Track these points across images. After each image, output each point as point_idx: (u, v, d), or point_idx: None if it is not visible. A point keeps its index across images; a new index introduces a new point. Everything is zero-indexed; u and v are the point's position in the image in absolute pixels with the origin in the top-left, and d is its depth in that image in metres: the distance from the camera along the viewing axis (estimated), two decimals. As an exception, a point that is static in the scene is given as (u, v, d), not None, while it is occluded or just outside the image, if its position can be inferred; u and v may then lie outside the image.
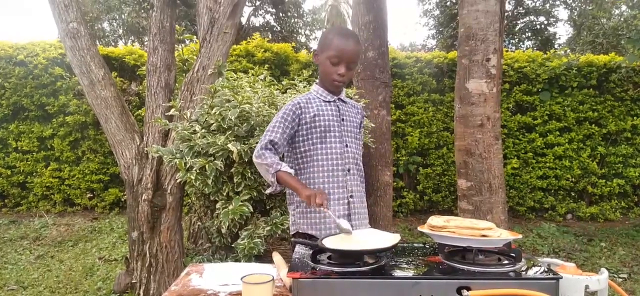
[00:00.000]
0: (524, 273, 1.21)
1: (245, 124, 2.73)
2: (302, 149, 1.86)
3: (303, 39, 16.91)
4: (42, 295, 3.76)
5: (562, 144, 6.17)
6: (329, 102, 1.90)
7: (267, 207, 2.96)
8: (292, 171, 1.80)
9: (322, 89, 1.91)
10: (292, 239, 1.76)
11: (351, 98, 3.19)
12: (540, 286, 1.15)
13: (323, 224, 1.83)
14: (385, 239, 1.40)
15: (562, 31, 30.71)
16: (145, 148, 3.27)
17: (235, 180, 2.71)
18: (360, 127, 2.03)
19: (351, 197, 1.86)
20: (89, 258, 4.53)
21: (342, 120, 1.90)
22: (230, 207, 2.62)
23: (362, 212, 1.93)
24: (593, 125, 6.21)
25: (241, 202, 2.64)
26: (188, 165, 2.69)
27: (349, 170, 1.87)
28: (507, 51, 6.74)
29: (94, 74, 3.36)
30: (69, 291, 3.82)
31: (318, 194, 1.62)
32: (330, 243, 1.36)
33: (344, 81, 1.86)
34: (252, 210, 2.68)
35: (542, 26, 14.65)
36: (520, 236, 1.36)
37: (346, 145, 1.88)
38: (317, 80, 1.96)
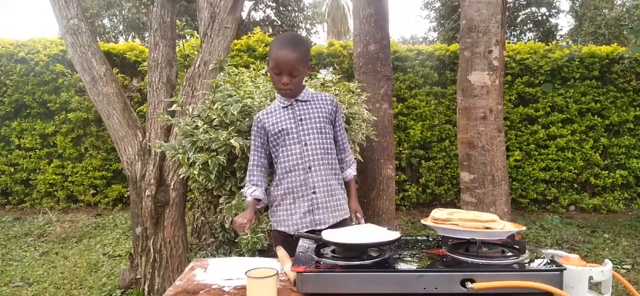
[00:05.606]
0: (527, 264, 1.21)
1: (247, 119, 2.72)
2: (271, 155, 2.03)
3: (304, 33, 16.87)
4: (47, 291, 3.78)
5: (564, 136, 6.15)
6: (286, 107, 1.99)
7: (270, 202, 2.96)
8: (260, 195, 1.97)
9: (280, 96, 2.01)
10: (294, 235, 1.82)
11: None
12: (544, 277, 1.15)
13: (290, 220, 1.96)
14: (386, 234, 1.40)
15: (564, 22, 30.71)
16: (148, 144, 3.28)
17: (238, 175, 2.71)
18: (336, 116, 2.05)
19: (314, 193, 1.94)
20: (93, 254, 4.55)
21: (300, 120, 1.96)
22: (234, 202, 2.62)
23: (331, 205, 1.97)
24: (595, 116, 6.18)
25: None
26: (191, 161, 2.69)
27: (310, 168, 1.94)
28: (508, 43, 6.70)
29: (95, 70, 3.36)
30: (73, 287, 3.84)
31: (238, 226, 1.76)
32: (331, 236, 1.37)
33: (290, 88, 1.91)
34: (255, 205, 2.68)
35: (544, 17, 14.61)
36: (523, 228, 1.36)
37: (305, 144, 1.94)
38: None
